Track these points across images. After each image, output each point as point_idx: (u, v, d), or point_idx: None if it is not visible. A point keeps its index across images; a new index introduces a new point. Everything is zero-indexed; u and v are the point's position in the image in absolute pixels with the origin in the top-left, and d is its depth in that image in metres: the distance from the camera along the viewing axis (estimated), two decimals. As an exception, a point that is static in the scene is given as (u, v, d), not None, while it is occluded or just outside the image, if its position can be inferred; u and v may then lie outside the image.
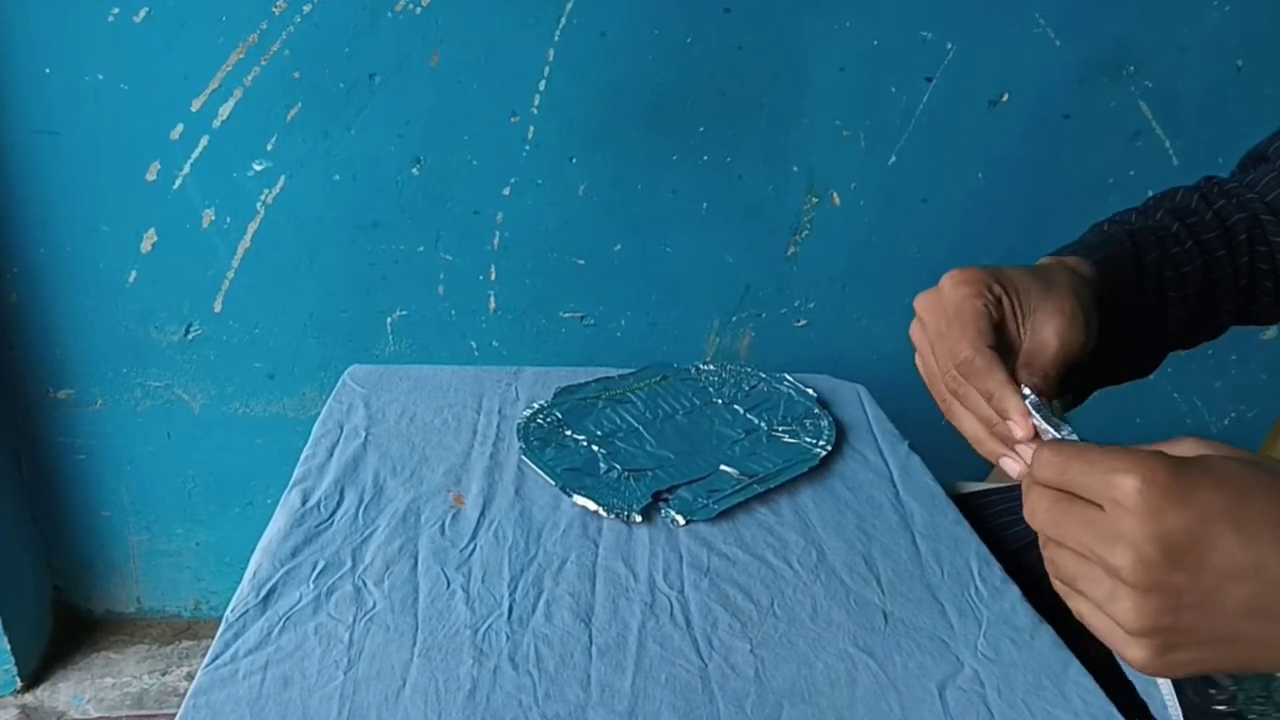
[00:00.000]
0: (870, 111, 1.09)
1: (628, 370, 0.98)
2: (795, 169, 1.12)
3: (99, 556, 1.29)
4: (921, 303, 0.50)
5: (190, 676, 1.27)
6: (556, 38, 1.01)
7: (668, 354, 1.22)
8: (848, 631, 0.61)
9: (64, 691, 1.25)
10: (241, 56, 0.98)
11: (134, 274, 1.08)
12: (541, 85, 1.03)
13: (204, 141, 1.02)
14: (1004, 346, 0.47)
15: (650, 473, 0.78)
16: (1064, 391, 0.50)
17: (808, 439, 0.85)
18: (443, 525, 0.69)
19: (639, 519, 0.71)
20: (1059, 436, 0.42)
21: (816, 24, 1.03)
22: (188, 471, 1.24)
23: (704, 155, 1.10)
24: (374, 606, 0.59)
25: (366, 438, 0.80)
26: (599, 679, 0.55)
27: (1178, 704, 0.45)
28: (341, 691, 0.52)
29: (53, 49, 0.95)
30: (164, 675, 1.28)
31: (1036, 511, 0.36)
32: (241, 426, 1.21)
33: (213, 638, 0.56)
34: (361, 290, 1.13)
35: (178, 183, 1.04)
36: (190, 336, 1.14)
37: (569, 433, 0.83)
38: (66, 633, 1.32)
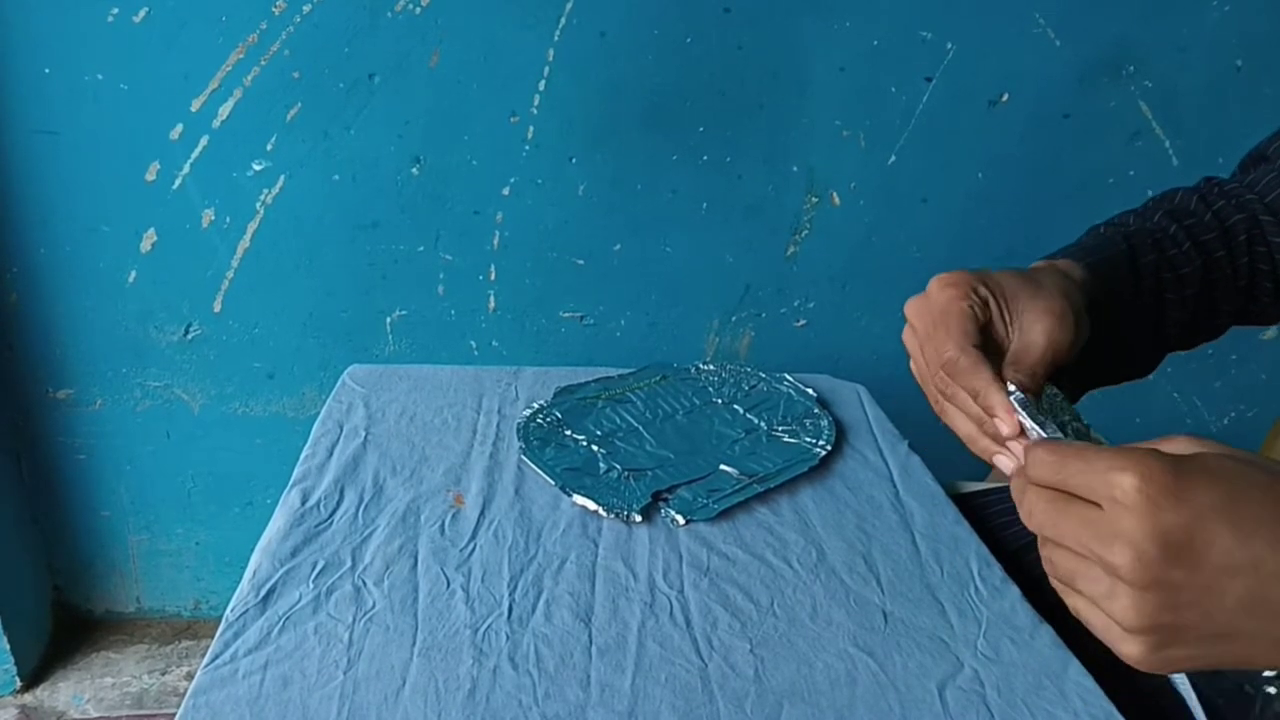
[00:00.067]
0: (870, 111, 1.09)
1: (627, 370, 0.98)
2: (795, 169, 1.12)
3: (99, 556, 1.29)
4: (910, 308, 0.51)
5: (190, 676, 1.27)
6: (556, 38, 1.01)
7: (668, 354, 1.22)
8: (847, 631, 0.61)
9: (64, 691, 1.25)
10: (241, 56, 0.98)
11: (134, 274, 1.08)
12: (541, 85, 1.03)
13: (204, 141, 1.02)
14: (992, 347, 0.48)
15: (650, 472, 0.78)
16: (1060, 387, 0.51)
17: (808, 439, 0.85)
18: (442, 525, 0.69)
19: (639, 519, 0.71)
20: (1044, 434, 0.43)
21: (816, 24, 1.03)
22: (187, 471, 1.24)
23: (704, 155, 1.10)
24: (374, 606, 0.59)
25: (366, 437, 0.80)
26: (599, 679, 0.55)
27: (1191, 689, 0.45)
28: (341, 691, 0.52)
29: (53, 49, 0.95)
30: (164, 675, 1.29)
31: (1034, 512, 0.36)
32: (241, 426, 1.21)
33: (212, 637, 0.56)
34: (361, 290, 1.13)
35: (177, 183, 1.04)
36: (190, 336, 1.14)
37: (569, 432, 0.83)
38: (66, 633, 1.32)
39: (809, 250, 1.17)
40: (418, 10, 0.98)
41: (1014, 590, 0.67)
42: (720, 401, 0.93)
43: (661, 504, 0.74)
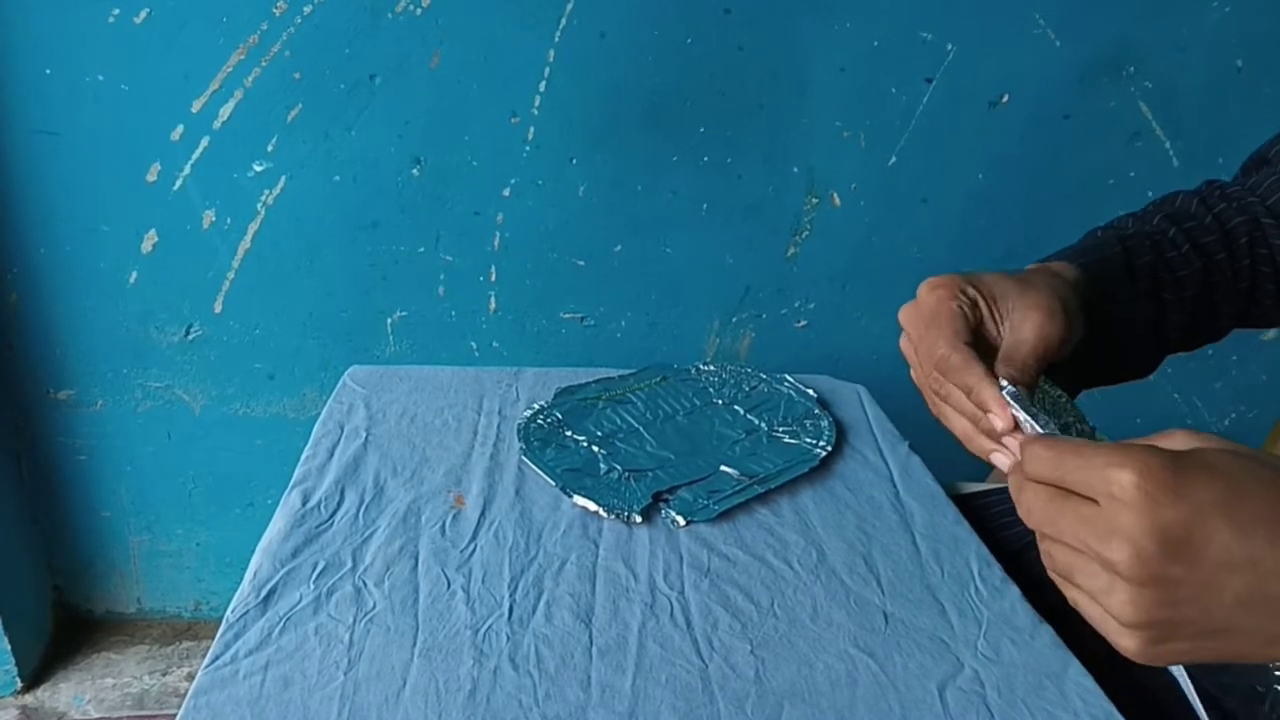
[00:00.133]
0: (870, 112, 1.09)
1: (628, 371, 0.98)
2: (795, 169, 1.12)
3: (99, 557, 1.29)
4: (903, 314, 0.52)
5: (191, 677, 1.27)
6: (556, 38, 1.01)
7: (668, 354, 1.22)
8: (848, 632, 0.61)
9: (64, 692, 1.25)
10: (242, 57, 0.98)
11: (134, 274, 1.08)
12: (541, 86, 1.03)
13: (204, 142, 1.02)
14: (985, 348, 0.48)
15: (650, 473, 0.78)
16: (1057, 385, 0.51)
17: (808, 439, 0.85)
18: (443, 526, 0.69)
19: (639, 519, 0.71)
20: (1038, 428, 0.43)
21: (816, 24, 1.03)
22: (188, 472, 1.24)
23: (704, 156, 1.10)
24: (374, 607, 0.60)
25: (367, 438, 0.80)
26: (599, 679, 0.55)
27: (1189, 683, 0.45)
28: (342, 692, 0.52)
29: (53, 49, 0.95)
30: (164, 676, 1.29)
31: (1032, 508, 0.36)
32: (242, 427, 1.21)
33: (213, 638, 0.56)
34: (361, 291, 1.13)
35: (178, 183, 1.04)
36: (190, 337, 1.14)
37: (569, 433, 0.84)
38: (66, 633, 1.32)
39: (809, 251, 1.17)
40: (418, 11, 0.98)
41: (1014, 590, 0.67)
42: (721, 402, 0.93)
43: (662, 505, 0.74)
